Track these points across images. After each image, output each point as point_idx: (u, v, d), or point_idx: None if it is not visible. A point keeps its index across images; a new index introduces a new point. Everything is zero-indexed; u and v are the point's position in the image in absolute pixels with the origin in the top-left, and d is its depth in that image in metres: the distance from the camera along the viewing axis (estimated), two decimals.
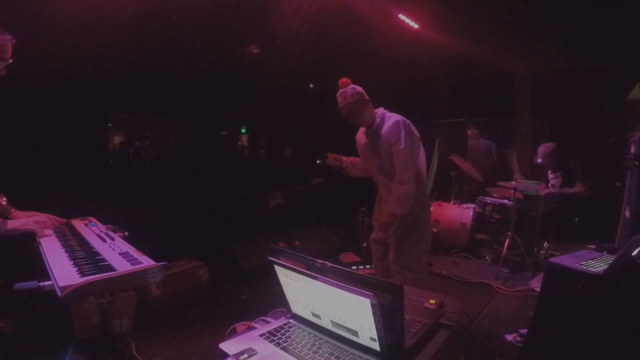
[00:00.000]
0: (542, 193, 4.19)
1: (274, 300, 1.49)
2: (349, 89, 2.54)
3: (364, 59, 5.74)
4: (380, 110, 2.63)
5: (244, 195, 6.21)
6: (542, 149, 4.47)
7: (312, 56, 5.53)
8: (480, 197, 4.82)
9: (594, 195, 4.23)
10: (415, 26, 4.94)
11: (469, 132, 5.70)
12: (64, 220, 2.05)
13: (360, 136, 2.79)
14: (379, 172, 2.70)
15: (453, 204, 5.24)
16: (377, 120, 2.60)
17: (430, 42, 5.15)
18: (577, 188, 4.22)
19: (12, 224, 1.71)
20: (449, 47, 5.18)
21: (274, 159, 7.52)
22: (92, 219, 2.13)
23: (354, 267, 4.28)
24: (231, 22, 4.45)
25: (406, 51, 5.33)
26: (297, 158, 7.13)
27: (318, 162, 7.34)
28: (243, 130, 8.51)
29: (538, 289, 2.04)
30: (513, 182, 4.14)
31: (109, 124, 5.69)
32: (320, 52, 5.43)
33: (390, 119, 2.57)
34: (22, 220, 1.80)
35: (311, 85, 7.08)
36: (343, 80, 2.59)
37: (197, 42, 4.54)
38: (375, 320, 1.05)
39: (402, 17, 4.76)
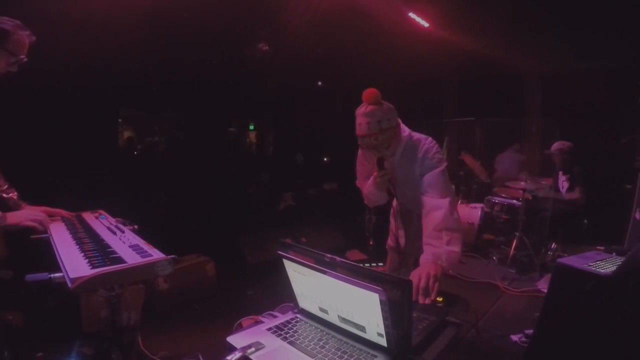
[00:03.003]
0: (550, 195, 4.20)
1: (280, 296, 1.50)
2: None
3: (373, 57, 5.73)
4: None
5: (251, 191, 6.24)
6: (557, 145, 4.47)
7: (321, 54, 5.53)
8: (489, 196, 4.79)
9: (603, 198, 4.21)
10: (426, 25, 4.91)
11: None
12: (73, 213, 2.07)
13: None
14: None
15: (461, 203, 5.22)
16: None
17: (441, 40, 5.11)
18: (576, 194, 4.23)
19: (11, 219, 1.68)
20: (459, 45, 5.15)
21: (283, 158, 7.55)
22: (102, 211, 2.14)
23: (360, 265, 4.29)
24: (241, 20, 4.47)
25: (416, 49, 5.31)
26: (308, 159, 7.15)
27: (325, 159, 7.36)
28: (251, 127, 8.56)
29: (545, 290, 2.03)
30: (522, 183, 4.11)
31: (120, 120, 5.76)
32: (329, 50, 5.43)
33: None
34: (21, 216, 1.76)
35: (320, 83, 7.08)
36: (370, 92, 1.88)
37: (207, 39, 4.56)
38: (383, 315, 1.05)
39: (412, 15, 4.74)
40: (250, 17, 4.49)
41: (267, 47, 5.28)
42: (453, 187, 2.19)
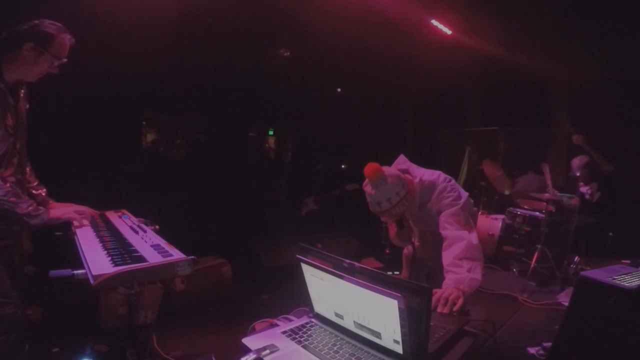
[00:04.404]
0: (574, 201, 4.12)
1: (293, 301, 1.50)
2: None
3: (394, 64, 5.71)
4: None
5: (269, 196, 6.28)
6: (577, 162, 4.38)
7: (342, 61, 5.54)
8: (511, 208, 4.70)
9: (630, 211, 4.09)
10: (449, 32, 4.87)
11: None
12: (97, 212, 2.13)
13: None
14: None
15: (481, 214, 5.12)
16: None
17: (464, 48, 5.05)
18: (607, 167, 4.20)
19: (54, 213, 1.77)
20: (483, 53, 5.06)
21: (302, 163, 7.57)
22: (125, 211, 2.20)
23: (380, 272, 4.26)
24: (263, 26, 4.52)
25: (438, 57, 5.26)
26: (326, 165, 7.15)
27: (343, 166, 7.36)
28: (271, 132, 8.63)
29: (565, 304, 1.98)
30: (546, 194, 4.02)
31: (143, 123, 5.90)
32: (350, 56, 5.43)
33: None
34: (63, 210, 1.87)
35: (339, 90, 7.10)
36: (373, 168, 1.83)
37: (229, 45, 4.64)
38: (401, 322, 1.04)
39: (435, 22, 4.70)
40: (272, 23, 4.55)
41: (288, 53, 5.32)
42: (475, 208, 2.22)
